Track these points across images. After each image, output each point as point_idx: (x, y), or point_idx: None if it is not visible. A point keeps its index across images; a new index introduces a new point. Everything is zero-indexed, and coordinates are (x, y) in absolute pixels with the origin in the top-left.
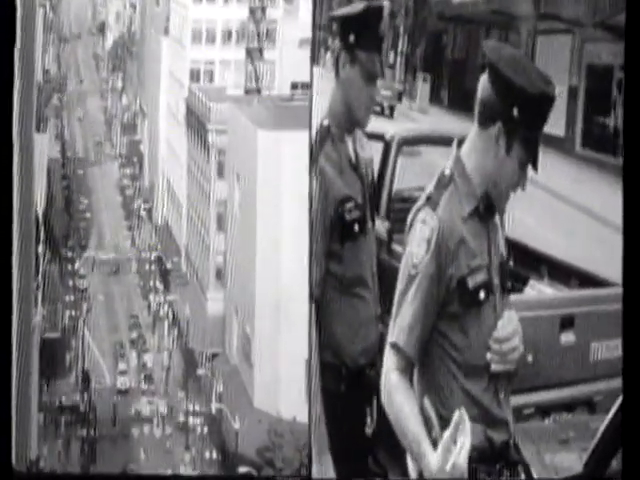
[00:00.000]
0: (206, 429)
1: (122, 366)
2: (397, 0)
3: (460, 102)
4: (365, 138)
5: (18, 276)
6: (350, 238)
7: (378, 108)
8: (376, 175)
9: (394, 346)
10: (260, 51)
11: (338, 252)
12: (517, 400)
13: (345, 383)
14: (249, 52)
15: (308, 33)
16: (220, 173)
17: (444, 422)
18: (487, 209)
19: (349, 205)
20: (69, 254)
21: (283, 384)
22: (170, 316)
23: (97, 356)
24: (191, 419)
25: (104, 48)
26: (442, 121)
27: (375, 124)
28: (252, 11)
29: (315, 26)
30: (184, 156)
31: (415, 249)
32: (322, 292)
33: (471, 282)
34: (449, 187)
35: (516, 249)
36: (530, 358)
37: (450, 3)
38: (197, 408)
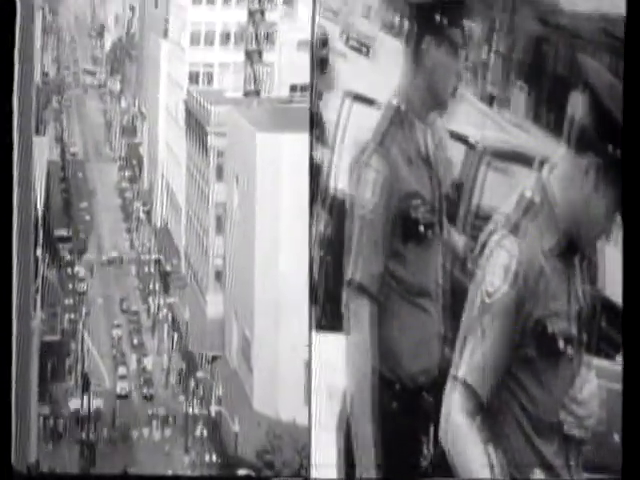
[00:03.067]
0: (206, 431)
1: (122, 370)
2: None
3: (560, 124)
4: (446, 135)
5: (17, 279)
6: (414, 239)
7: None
8: (456, 179)
9: (462, 383)
10: (259, 53)
11: (400, 252)
12: None
13: (399, 402)
14: (248, 54)
15: (307, 35)
16: (219, 175)
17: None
18: (569, 248)
19: (416, 202)
20: (68, 257)
21: (282, 387)
22: (169, 319)
23: (96, 359)
24: (190, 422)
25: (103, 50)
26: (536, 139)
27: (459, 126)
28: (251, 13)
29: (314, 28)
30: (183, 158)
31: (491, 276)
32: (380, 290)
33: (551, 327)
34: (530, 213)
35: (613, 312)
36: (617, 438)
37: (556, 9)
38: (197, 411)
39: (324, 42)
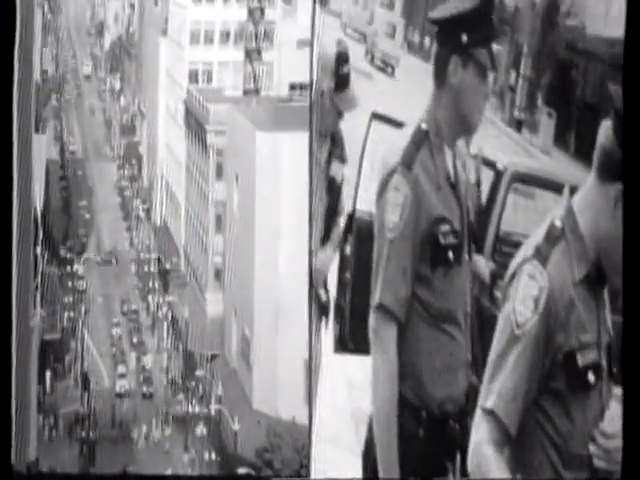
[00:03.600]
0: (205, 430)
1: (121, 369)
2: (522, 14)
3: (588, 152)
4: (475, 160)
5: (17, 277)
6: (442, 264)
7: None
8: (483, 205)
9: (491, 414)
10: (259, 52)
11: (428, 276)
12: None
13: (424, 428)
14: (247, 53)
15: (307, 34)
16: (219, 174)
17: None
18: (598, 279)
19: (444, 228)
20: (68, 255)
21: (282, 385)
22: (169, 317)
23: (96, 357)
24: (190, 420)
25: (102, 49)
26: (564, 167)
27: (487, 150)
28: (251, 12)
29: (314, 27)
30: (183, 157)
31: (521, 306)
32: (407, 315)
33: (581, 360)
34: (560, 243)
35: None
36: None
37: (584, 34)
38: (196, 409)
39: (345, 59)
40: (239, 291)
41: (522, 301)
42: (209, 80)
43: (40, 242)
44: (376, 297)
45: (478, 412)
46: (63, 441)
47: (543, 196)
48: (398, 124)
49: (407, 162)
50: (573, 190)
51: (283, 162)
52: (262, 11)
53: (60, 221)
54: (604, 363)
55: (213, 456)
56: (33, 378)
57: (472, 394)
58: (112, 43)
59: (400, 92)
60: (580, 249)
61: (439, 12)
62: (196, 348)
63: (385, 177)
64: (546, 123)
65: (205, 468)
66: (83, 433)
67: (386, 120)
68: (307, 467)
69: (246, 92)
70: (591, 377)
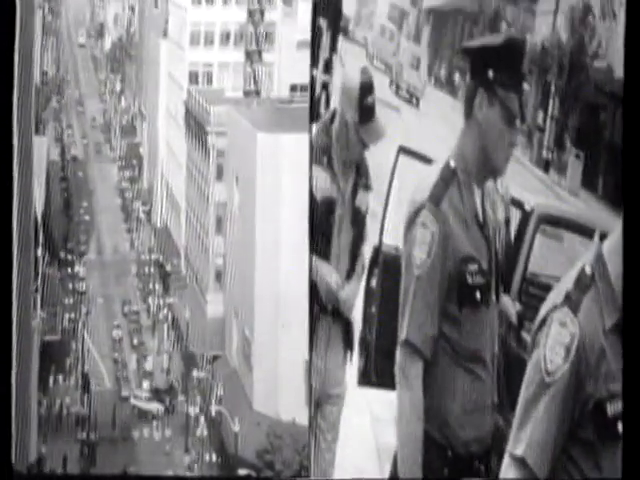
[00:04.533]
0: (206, 431)
1: (121, 370)
2: (549, 53)
3: (616, 195)
4: (503, 199)
5: (18, 279)
6: (470, 304)
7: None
8: (511, 244)
9: (521, 462)
10: (259, 53)
11: (455, 315)
12: None
13: (449, 468)
14: (248, 54)
15: (307, 35)
16: (219, 175)
17: None
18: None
19: (473, 267)
20: (68, 257)
21: (282, 386)
22: (170, 319)
23: (96, 358)
24: (191, 421)
25: (102, 50)
26: (592, 209)
27: (515, 190)
28: (251, 13)
29: (314, 28)
30: (183, 158)
31: (551, 354)
32: (434, 353)
33: (610, 409)
34: (591, 290)
35: None
36: None
37: (612, 77)
38: (197, 410)
39: (369, 88)
40: (239, 292)
41: (552, 348)
42: (209, 81)
43: (40, 244)
44: (403, 333)
45: (507, 459)
46: (64, 442)
47: (571, 239)
48: (427, 160)
49: (435, 199)
50: (603, 236)
51: (283, 163)
52: (262, 12)
53: (60, 223)
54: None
55: (213, 457)
56: (33, 379)
57: (497, 436)
58: (112, 45)
59: (425, 125)
60: (610, 296)
61: (470, 42)
62: (197, 349)
63: (413, 213)
64: (574, 164)
65: (205, 469)
66: (84, 434)
67: (414, 155)
68: (307, 468)
69: (246, 93)
70: (620, 428)
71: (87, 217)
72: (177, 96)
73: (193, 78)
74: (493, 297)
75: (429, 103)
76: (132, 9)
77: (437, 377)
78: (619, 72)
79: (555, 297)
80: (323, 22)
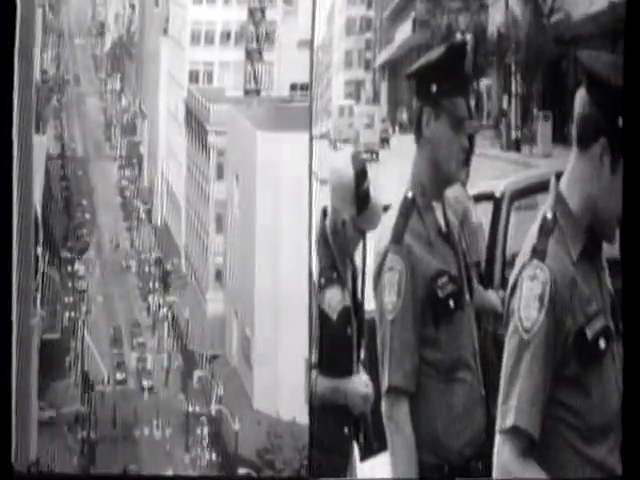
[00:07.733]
0: (206, 431)
1: (121, 369)
2: (505, 36)
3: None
4: (464, 203)
5: (17, 277)
6: (445, 318)
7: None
8: (486, 239)
9: (513, 430)
10: (259, 52)
11: (433, 337)
12: None
13: (447, 479)
14: (248, 53)
15: (307, 34)
16: (219, 174)
17: None
18: (594, 245)
19: (442, 280)
20: (68, 255)
21: (282, 385)
22: (170, 318)
23: (97, 357)
24: (191, 421)
25: (103, 49)
26: (567, 158)
27: (482, 185)
28: (251, 12)
29: (314, 28)
30: (183, 157)
31: (525, 312)
32: (418, 384)
33: (590, 332)
34: (555, 232)
35: None
36: None
37: (569, 23)
38: (197, 410)
39: (364, 173)
40: (240, 291)
41: (527, 306)
42: (210, 80)
43: (40, 242)
44: (385, 382)
45: (498, 439)
46: (63, 441)
47: (544, 199)
48: (385, 208)
49: (397, 238)
50: (559, 176)
51: (283, 162)
52: (263, 11)
53: (60, 221)
54: (611, 325)
55: (214, 456)
56: (33, 378)
57: (491, 426)
58: (113, 43)
59: (387, 173)
60: (574, 228)
61: (414, 65)
62: (197, 348)
63: (379, 263)
64: (544, 127)
65: (205, 468)
66: (84, 433)
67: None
68: (307, 467)
69: (247, 92)
70: (602, 343)
71: (87, 216)
72: (177, 95)
73: (193, 77)
74: (467, 297)
75: (391, 152)
76: (133, 7)
77: (423, 405)
78: (576, 14)
79: (522, 258)
80: None
